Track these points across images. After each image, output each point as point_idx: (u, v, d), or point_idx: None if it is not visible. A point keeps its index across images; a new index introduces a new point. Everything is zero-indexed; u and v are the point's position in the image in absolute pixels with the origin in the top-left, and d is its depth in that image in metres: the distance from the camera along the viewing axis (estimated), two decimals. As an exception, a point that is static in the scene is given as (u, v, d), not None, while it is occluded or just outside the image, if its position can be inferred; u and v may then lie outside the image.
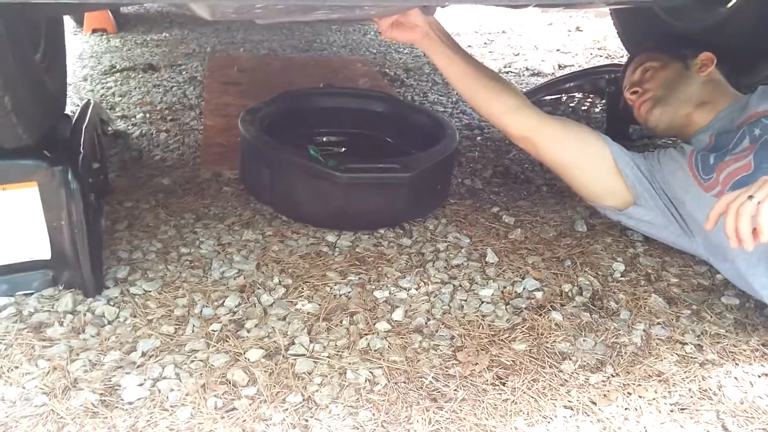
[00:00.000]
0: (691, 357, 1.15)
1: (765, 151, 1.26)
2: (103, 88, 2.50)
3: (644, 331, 1.22)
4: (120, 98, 2.39)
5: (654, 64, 1.58)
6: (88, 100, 1.61)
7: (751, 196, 1.02)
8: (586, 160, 1.46)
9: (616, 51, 3.43)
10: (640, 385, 1.09)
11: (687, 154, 1.42)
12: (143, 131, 2.08)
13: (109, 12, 3.38)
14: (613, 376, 1.11)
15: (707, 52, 1.54)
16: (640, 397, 1.06)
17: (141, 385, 1.04)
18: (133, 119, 2.18)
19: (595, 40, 3.64)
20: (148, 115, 2.21)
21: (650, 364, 1.14)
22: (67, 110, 1.68)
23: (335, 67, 2.83)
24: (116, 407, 1.00)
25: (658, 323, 1.24)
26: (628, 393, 1.07)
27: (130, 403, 1.01)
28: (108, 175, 1.65)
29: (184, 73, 2.70)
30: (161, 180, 1.73)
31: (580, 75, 2.41)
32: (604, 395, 1.06)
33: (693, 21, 1.97)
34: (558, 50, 3.43)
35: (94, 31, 3.35)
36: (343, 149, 1.82)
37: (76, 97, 2.38)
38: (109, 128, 2.02)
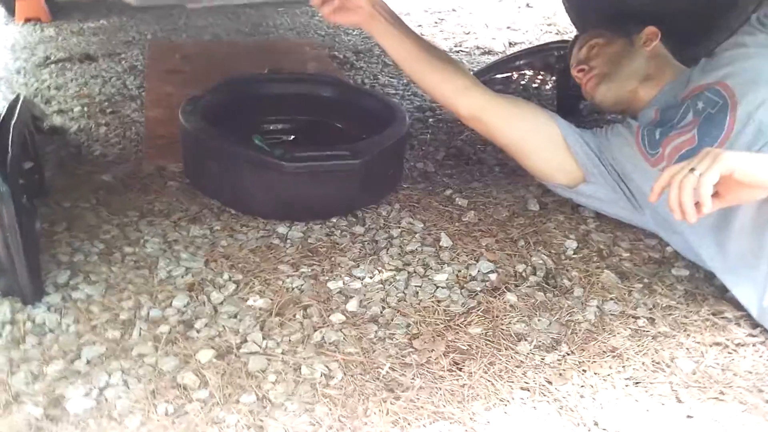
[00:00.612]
0: (644, 331, 1.17)
1: (708, 124, 1.27)
2: (37, 81, 2.38)
3: (597, 307, 1.23)
4: (56, 91, 2.27)
5: (599, 40, 1.58)
6: (17, 95, 1.53)
7: (693, 169, 1.03)
8: (536, 139, 1.46)
9: (566, 27, 3.45)
10: (594, 362, 1.10)
11: (634, 129, 1.43)
12: (81, 125, 1.99)
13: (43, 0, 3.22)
14: (568, 354, 1.11)
15: (651, 26, 1.55)
16: (595, 374, 1.07)
17: (87, 395, 1.00)
18: (70, 113, 2.08)
19: (545, 16, 3.64)
20: (86, 109, 2.11)
21: (604, 340, 1.15)
22: (-4, 107, 1.59)
23: (282, 52, 2.76)
24: (62, 420, 0.96)
25: (611, 299, 1.26)
26: (583, 371, 1.08)
27: (77, 415, 0.97)
28: (44, 174, 1.57)
29: (123, 62, 2.59)
30: (102, 177, 1.66)
31: (530, 53, 2.41)
32: (560, 374, 1.07)
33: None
34: (508, 27, 3.42)
35: (27, 20, 3.18)
36: (292, 137, 1.78)
37: (8, 92, 2.26)
38: (45, 124, 1.93)
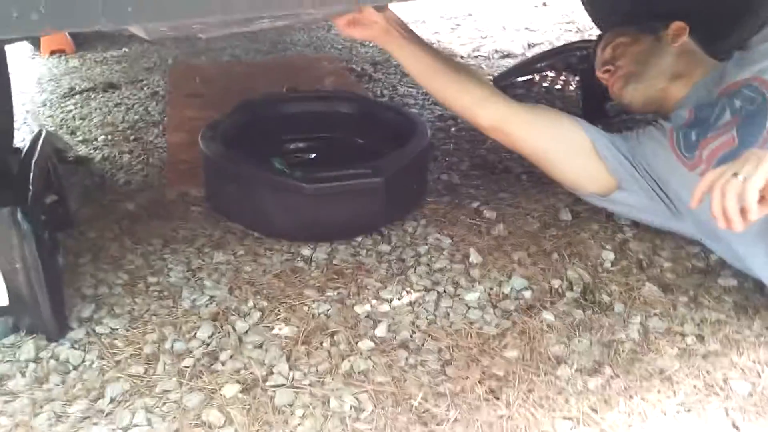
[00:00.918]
0: (693, 349, 1.10)
1: (748, 124, 1.20)
2: (62, 112, 2.40)
3: (641, 324, 1.16)
4: (81, 121, 2.29)
5: (624, 39, 1.52)
6: (39, 130, 1.52)
7: (736, 173, 0.96)
8: (562, 146, 1.39)
9: (586, 25, 3.37)
10: (641, 386, 1.03)
11: (667, 131, 1.36)
12: (105, 154, 1.98)
13: (66, 32, 3.26)
14: (612, 378, 1.05)
15: (678, 21, 1.47)
16: (643, 399, 1.00)
17: (110, 436, 0.97)
18: (94, 142, 2.08)
19: (563, 15, 3.56)
20: (110, 137, 2.12)
21: (650, 361, 1.08)
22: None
23: (300, 67, 2.74)
24: (84, 464, 0.93)
25: (655, 314, 1.18)
26: (630, 396, 1.01)
27: (99, 459, 0.94)
28: (68, 206, 1.57)
29: (145, 88, 2.60)
30: (126, 205, 1.65)
31: (552, 54, 2.34)
32: (605, 401, 1.00)
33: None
34: (526, 28, 3.35)
35: (53, 53, 3.23)
36: (313, 155, 1.75)
37: (35, 125, 2.28)
38: (70, 155, 1.93)
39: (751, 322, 1.15)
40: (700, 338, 1.12)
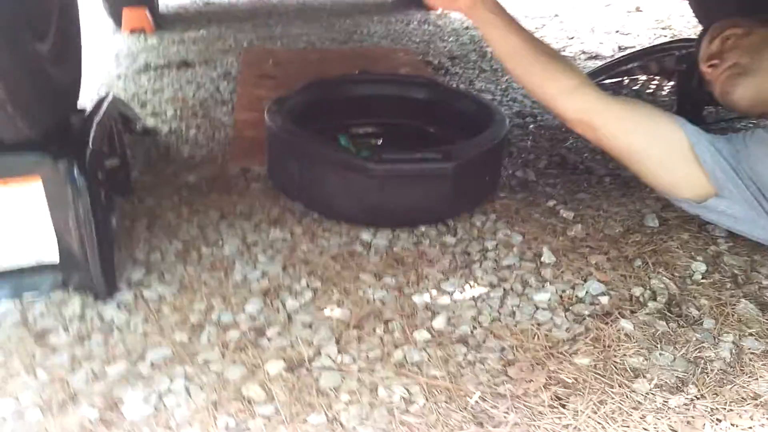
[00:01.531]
0: (796, 376, 0.95)
1: None
2: (136, 85, 2.43)
3: (734, 343, 1.02)
4: (152, 95, 2.30)
5: (736, 30, 1.36)
6: (107, 93, 1.52)
7: None
8: (657, 145, 1.24)
9: (682, 31, 3.17)
10: (731, 409, 0.89)
11: None
12: (173, 128, 1.98)
13: (147, 12, 3.34)
14: (697, 398, 0.92)
15: None
16: (733, 425, 0.87)
17: (146, 399, 0.92)
18: (163, 116, 2.09)
19: (657, 20, 3.37)
20: (178, 112, 2.12)
21: (743, 384, 0.94)
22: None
23: (375, 57, 2.68)
24: (116, 425, 0.88)
25: (750, 334, 1.04)
26: (717, 420, 0.88)
27: (132, 422, 0.89)
28: (130, 173, 1.55)
29: (218, 68, 2.61)
30: (187, 177, 1.62)
31: (645, 53, 2.18)
32: (687, 422, 0.88)
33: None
34: (617, 32, 3.19)
35: (132, 30, 3.31)
36: (380, 141, 1.67)
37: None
38: (138, 125, 1.93)
39: None
40: (806, 365, 0.97)
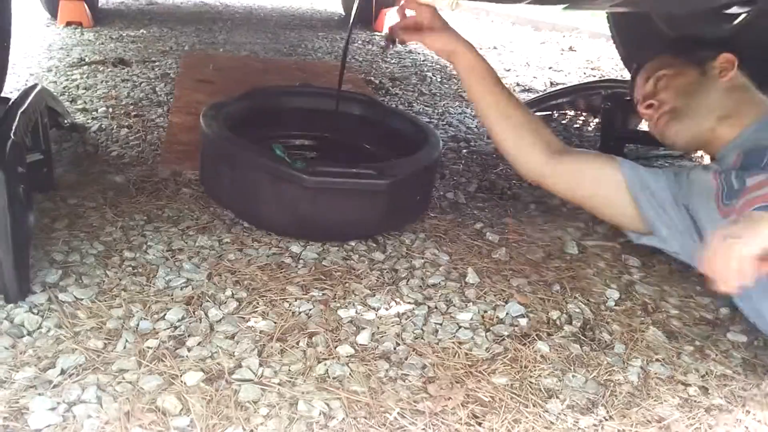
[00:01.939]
0: (695, 401, 1.01)
1: None
2: (67, 80, 2.34)
3: (641, 368, 1.08)
4: (84, 91, 2.23)
5: (667, 71, 1.39)
6: (35, 83, 1.46)
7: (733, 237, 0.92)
8: (600, 191, 1.35)
9: (610, 71, 3.35)
10: (637, 431, 0.94)
11: (711, 174, 1.26)
12: (103, 126, 1.92)
13: (85, 5, 3.23)
14: (606, 420, 0.96)
15: (727, 53, 1.35)
16: (638, 446, 0.92)
17: (53, 409, 0.88)
18: (94, 113, 2.02)
19: (588, 60, 3.55)
20: (111, 110, 2.05)
21: (649, 407, 0.99)
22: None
23: (317, 72, 2.69)
24: (19, 436, 0.84)
25: (657, 360, 1.10)
26: (624, 440, 0.92)
27: (37, 431, 0.84)
28: (53, 168, 1.49)
29: (156, 69, 2.55)
30: (114, 177, 1.57)
31: (574, 90, 2.30)
32: (596, 442, 0.92)
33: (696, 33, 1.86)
34: (550, 68, 3.33)
35: (69, 23, 3.20)
36: (314, 154, 1.68)
37: (36, 88, 2.21)
38: (66, 121, 1.86)
39: (760, 381, 1.07)
40: (704, 390, 1.04)
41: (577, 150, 1.45)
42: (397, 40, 1.34)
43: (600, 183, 1.34)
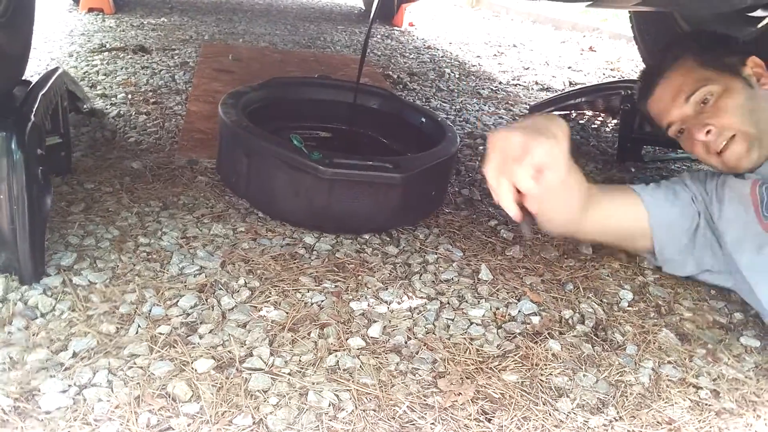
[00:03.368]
0: (706, 404, 1.00)
1: None
2: (88, 65, 2.36)
3: (653, 369, 1.07)
4: (104, 77, 2.24)
5: (712, 88, 1.20)
6: (56, 67, 1.47)
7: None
8: (629, 234, 1.29)
9: (630, 72, 3.31)
10: (647, 433, 0.93)
11: (749, 184, 1.20)
12: (122, 112, 1.93)
13: (108, -8, 3.25)
14: (616, 420, 0.95)
15: (755, 57, 1.23)
16: (648, 448, 0.91)
17: (64, 391, 0.89)
18: (113, 99, 2.03)
19: (608, 61, 3.52)
20: (130, 96, 2.07)
21: (659, 408, 0.98)
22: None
23: (335, 65, 2.69)
24: (30, 416, 0.84)
25: (669, 362, 1.09)
26: (634, 442, 0.92)
27: (48, 413, 0.85)
28: (71, 152, 1.50)
29: (176, 57, 2.56)
30: (131, 163, 1.58)
31: (593, 90, 2.27)
32: (606, 443, 0.91)
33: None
34: (569, 68, 3.30)
35: (90, 10, 3.22)
36: (332, 145, 1.68)
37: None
38: (85, 106, 1.88)
39: (775, 388, 1.05)
40: (716, 394, 1.02)
41: (599, 194, 1.22)
42: (530, 218, 1.00)
43: (626, 226, 1.27)
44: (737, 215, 1.19)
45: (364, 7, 4.46)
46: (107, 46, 2.62)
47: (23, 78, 1.33)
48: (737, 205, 1.19)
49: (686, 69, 1.25)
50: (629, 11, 2.18)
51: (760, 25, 1.76)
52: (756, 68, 1.23)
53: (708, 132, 1.19)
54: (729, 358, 1.12)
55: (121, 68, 2.35)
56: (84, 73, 2.26)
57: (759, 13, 1.71)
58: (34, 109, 1.16)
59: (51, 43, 2.57)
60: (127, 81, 2.21)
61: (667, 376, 1.06)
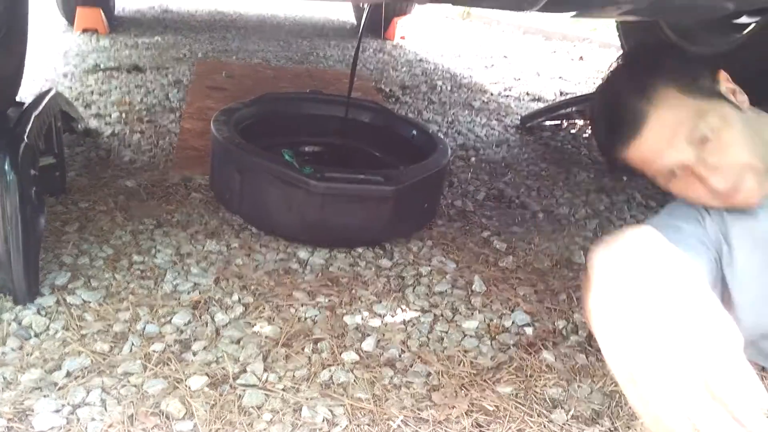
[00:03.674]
0: (702, 413, 1.00)
1: None
2: (82, 85, 2.37)
3: (647, 379, 1.07)
4: (98, 96, 2.25)
5: (712, 121, 0.94)
6: (50, 88, 1.47)
7: None
8: None
9: (620, 82, 3.33)
10: (642, 443, 0.93)
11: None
12: (116, 131, 1.94)
13: (102, 12, 3.27)
14: (611, 431, 0.95)
15: (721, 70, 1.01)
16: (642, 458, 0.91)
17: (58, 411, 0.89)
18: (107, 118, 2.04)
19: (598, 70, 3.54)
20: (124, 115, 2.07)
21: (654, 418, 0.98)
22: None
23: (328, 80, 2.71)
24: (24, 437, 0.84)
25: (664, 371, 1.09)
26: (628, 452, 0.92)
27: (41, 433, 0.85)
28: (65, 172, 1.51)
29: (170, 76, 2.58)
30: (125, 182, 1.59)
31: (583, 100, 2.29)
32: (601, 453, 0.91)
33: (707, 45, 1.85)
34: (560, 78, 3.32)
35: (85, 30, 3.24)
36: (323, 160, 1.68)
37: (51, 93, 2.24)
38: (80, 125, 1.88)
39: (770, 395, 1.05)
40: (712, 404, 1.02)
41: None
42: None
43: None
44: (759, 266, 0.97)
45: (356, 22, 4.49)
46: (101, 66, 2.63)
47: (17, 99, 1.34)
48: (754, 250, 0.97)
49: (672, 102, 0.98)
50: (616, 21, 2.20)
51: (745, 32, 1.78)
52: (728, 84, 1.01)
53: (721, 176, 0.95)
54: (723, 365, 1.12)
55: (116, 88, 2.36)
56: (78, 93, 2.27)
57: (744, 19, 1.73)
58: (28, 130, 1.17)
59: (45, 64, 2.58)
60: (122, 100, 2.22)
61: (661, 384, 1.06)
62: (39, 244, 1.17)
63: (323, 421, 0.91)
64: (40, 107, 1.31)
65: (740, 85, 1.02)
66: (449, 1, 1.33)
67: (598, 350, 1.12)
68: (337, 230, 1.35)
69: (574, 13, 1.42)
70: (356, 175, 1.33)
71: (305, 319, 1.14)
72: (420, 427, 0.92)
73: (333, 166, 1.61)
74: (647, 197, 1.81)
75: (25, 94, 1.44)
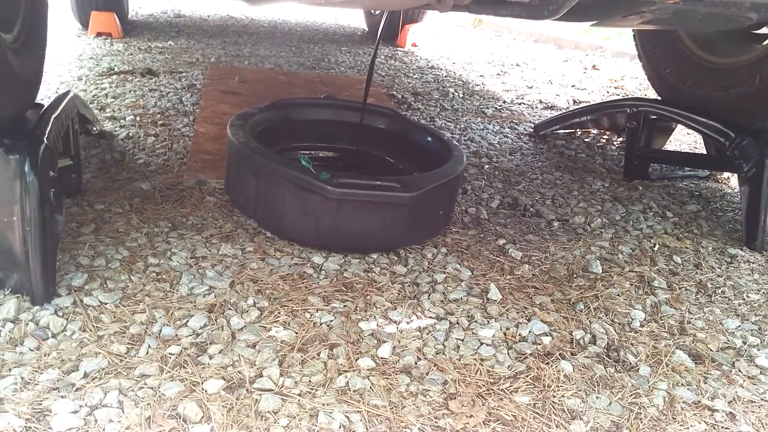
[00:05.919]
0: (723, 427, 0.99)
1: None
2: (97, 88, 2.38)
3: (667, 391, 1.06)
4: (113, 100, 2.26)
5: None
6: (67, 90, 1.48)
7: None
8: None
9: (634, 90, 3.33)
10: (662, 455, 0.92)
11: None
12: (131, 134, 1.94)
13: (116, 17, 3.30)
14: (630, 442, 0.94)
15: None
16: (663, 470, 0.90)
17: (75, 412, 0.88)
18: (122, 121, 2.05)
19: (612, 79, 3.53)
20: (138, 118, 2.08)
21: None
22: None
23: (340, 86, 2.71)
24: (41, 438, 0.84)
25: (683, 384, 1.08)
26: (649, 464, 0.90)
27: (59, 434, 0.85)
28: (82, 174, 1.51)
29: (183, 80, 2.59)
30: (140, 184, 1.59)
31: (598, 108, 2.28)
32: (620, 465, 0.90)
33: (725, 56, 1.84)
34: (573, 86, 3.32)
35: (99, 34, 3.26)
36: (339, 166, 1.68)
37: (66, 95, 2.26)
38: (95, 128, 1.89)
39: (791, 409, 1.04)
40: (732, 416, 1.01)
41: None
42: None
43: None
44: None
45: (367, 29, 4.51)
46: (116, 69, 2.65)
47: (35, 101, 1.35)
48: None
49: None
50: (633, 30, 2.20)
51: (765, 42, 1.77)
52: None
53: None
54: (744, 380, 1.11)
55: (130, 91, 2.38)
56: (93, 96, 2.28)
57: (764, 30, 1.72)
58: (47, 132, 1.17)
59: (61, 67, 2.60)
60: (136, 103, 2.23)
61: (681, 398, 1.05)
62: (57, 245, 1.17)
63: (340, 427, 0.91)
64: (59, 110, 1.32)
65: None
66: (469, 10, 1.33)
67: (617, 361, 1.11)
68: (352, 236, 1.35)
69: (594, 21, 1.42)
70: (372, 181, 1.32)
71: (320, 324, 1.14)
72: (438, 436, 0.91)
73: (349, 172, 1.62)
74: (663, 207, 1.80)
75: (43, 96, 1.45)
